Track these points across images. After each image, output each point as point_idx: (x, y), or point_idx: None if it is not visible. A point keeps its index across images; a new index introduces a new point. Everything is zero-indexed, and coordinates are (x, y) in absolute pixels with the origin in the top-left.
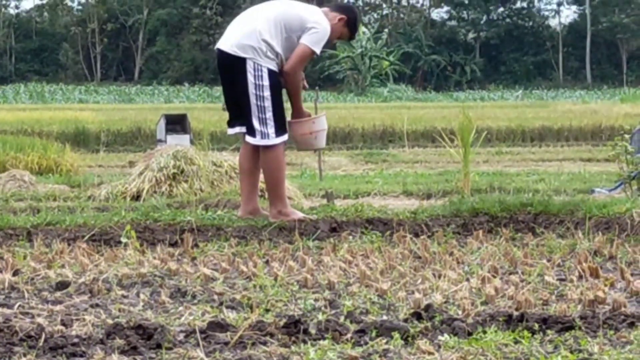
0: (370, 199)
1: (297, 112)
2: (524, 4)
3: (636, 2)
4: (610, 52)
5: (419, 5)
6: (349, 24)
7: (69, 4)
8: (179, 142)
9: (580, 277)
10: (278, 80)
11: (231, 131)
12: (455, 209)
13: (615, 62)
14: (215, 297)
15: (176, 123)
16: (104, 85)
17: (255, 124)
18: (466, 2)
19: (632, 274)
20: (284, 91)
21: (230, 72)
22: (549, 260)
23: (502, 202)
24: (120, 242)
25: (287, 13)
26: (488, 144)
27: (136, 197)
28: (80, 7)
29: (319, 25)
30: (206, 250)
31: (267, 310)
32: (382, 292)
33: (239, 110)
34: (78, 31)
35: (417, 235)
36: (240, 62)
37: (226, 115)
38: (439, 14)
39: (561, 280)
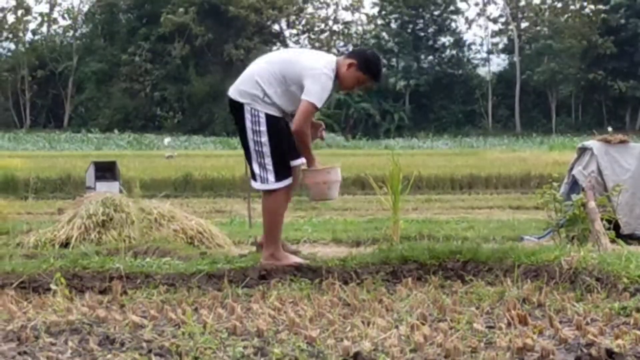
0: (300, 246)
1: (309, 163)
2: (454, 52)
3: (565, 51)
4: (540, 101)
5: None
6: (361, 67)
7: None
8: (108, 189)
9: (509, 324)
10: (278, 125)
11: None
12: (384, 257)
13: (544, 110)
14: (144, 344)
15: (105, 170)
16: (33, 132)
17: (256, 168)
18: (395, 50)
19: (560, 322)
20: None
21: (235, 117)
22: (477, 308)
23: (431, 249)
24: (48, 289)
25: (286, 65)
26: (418, 191)
27: (65, 244)
28: (10, 54)
29: (317, 79)
30: (135, 297)
31: (196, 358)
32: (311, 340)
33: None
34: (9, 78)
35: (346, 282)
36: (239, 107)
37: (160, 163)
38: None
39: (490, 327)
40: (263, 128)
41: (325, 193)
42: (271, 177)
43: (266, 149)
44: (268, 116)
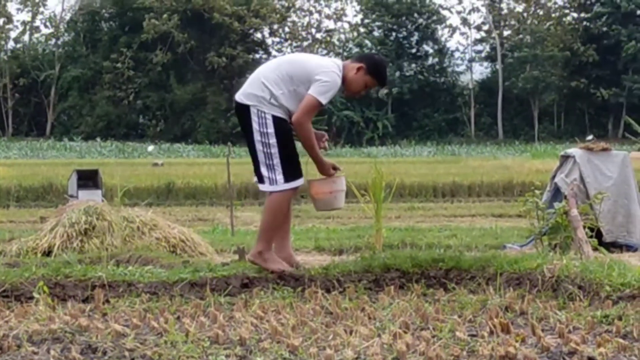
0: None
1: (319, 165)
2: (436, 60)
3: (548, 59)
4: (522, 108)
5: None
6: (370, 71)
7: None
8: (90, 197)
9: (491, 332)
10: (284, 127)
11: (255, 179)
12: (366, 265)
13: (527, 118)
14: (126, 353)
15: (88, 178)
16: (16, 140)
17: (264, 171)
18: None
19: (542, 330)
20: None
21: (241, 120)
22: (460, 316)
23: (413, 257)
24: (31, 298)
25: (293, 65)
26: (400, 199)
27: (47, 253)
28: None
29: (326, 76)
30: (117, 306)
31: None
32: (294, 348)
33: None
34: None
35: (328, 291)
36: (246, 109)
37: (142, 171)
38: None
39: (472, 336)
40: (271, 130)
41: (332, 203)
42: (280, 177)
43: (274, 150)
44: (275, 118)
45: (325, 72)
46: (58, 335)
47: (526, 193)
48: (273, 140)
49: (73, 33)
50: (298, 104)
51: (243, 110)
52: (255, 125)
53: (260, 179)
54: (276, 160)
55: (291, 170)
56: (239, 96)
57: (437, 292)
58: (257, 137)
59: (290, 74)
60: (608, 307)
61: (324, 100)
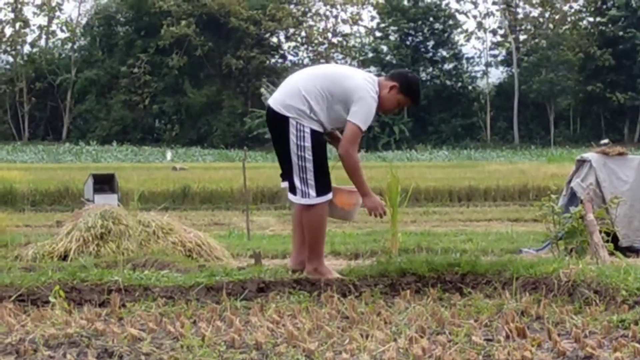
0: None
1: (367, 199)
2: (452, 65)
3: (563, 63)
4: (538, 113)
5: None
6: (403, 90)
7: None
8: (106, 201)
9: (507, 337)
10: (321, 140)
11: (284, 184)
12: (382, 269)
13: (542, 122)
14: (143, 357)
15: (104, 183)
16: (32, 144)
17: (297, 182)
18: (394, 62)
19: (559, 334)
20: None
21: (275, 128)
22: (476, 321)
23: (429, 262)
24: (47, 302)
25: (333, 82)
26: (416, 203)
27: (63, 257)
28: (8, 67)
29: (364, 102)
30: (133, 310)
31: None
32: (310, 353)
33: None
34: (7, 90)
35: (344, 295)
36: (284, 120)
37: (158, 175)
38: None
39: (488, 340)
40: (308, 144)
41: (352, 215)
42: (312, 191)
43: (309, 165)
44: (313, 131)
45: (363, 98)
46: (74, 339)
47: (542, 197)
48: (309, 155)
49: (89, 37)
50: (332, 120)
51: (279, 120)
52: (292, 138)
53: (292, 190)
54: (310, 175)
55: (323, 184)
56: (277, 106)
57: (453, 297)
58: (293, 148)
59: (331, 91)
60: (624, 311)
61: (365, 127)
